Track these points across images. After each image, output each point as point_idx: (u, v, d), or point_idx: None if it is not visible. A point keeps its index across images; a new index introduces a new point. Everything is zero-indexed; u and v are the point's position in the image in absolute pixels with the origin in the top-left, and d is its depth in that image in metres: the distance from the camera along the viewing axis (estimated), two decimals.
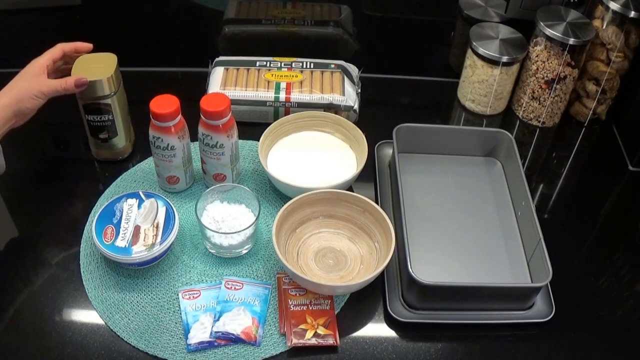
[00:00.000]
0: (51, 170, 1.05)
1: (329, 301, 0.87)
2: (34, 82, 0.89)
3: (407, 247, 0.86)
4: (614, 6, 1.05)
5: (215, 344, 0.83)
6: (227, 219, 0.92)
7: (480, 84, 1.15)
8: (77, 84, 0.92)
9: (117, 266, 0.90)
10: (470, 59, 1.14)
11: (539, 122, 1.18)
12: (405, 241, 0.87)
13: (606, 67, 1.11)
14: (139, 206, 0.91)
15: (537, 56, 1.11)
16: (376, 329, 0.87)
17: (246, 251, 0.93)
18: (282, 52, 1.17)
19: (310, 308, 0.86)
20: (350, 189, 1.01)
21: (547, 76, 1.11)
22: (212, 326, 0.84)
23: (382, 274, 0.89)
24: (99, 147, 1.03)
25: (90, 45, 0.97)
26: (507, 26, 1.14)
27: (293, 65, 1.14)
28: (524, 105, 1.17)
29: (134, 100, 1.03)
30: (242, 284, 0.88)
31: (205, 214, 0.93)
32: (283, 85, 1.11)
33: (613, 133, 1.18)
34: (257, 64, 1.14)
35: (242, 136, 0.99)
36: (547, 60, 1.09)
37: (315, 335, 0.83)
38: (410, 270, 0.84)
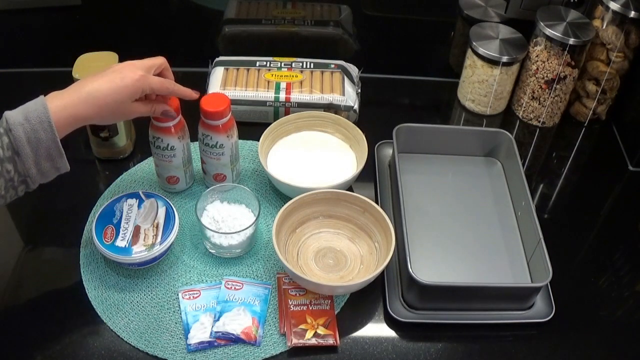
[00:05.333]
0: None
1: (329, 301, 0.87)
2: (123, 106, 0.81)
3: (407, 247, 0.86)
4: (614, 6, 1.05)
5: (215, 344, 0.83)
6: (227, 219, 0.92)
7: (480, 84, 1.15)
8: (164, 113, 0.88)
9: (117, 266, 0.90)
10: (470, 59, 1.14)
11: (539, 122, 1.18)
12: (405, 241, 0.87)
13: (606, 67, 1.11)
14: (139, 206, 0.91)
15: (537, 56, 1.11)
16: (376, 329, 0.87)
17: (246, 251, 0.93)
18: (282, 52, 1.17)
19: (310, 308, 0.86)
20: (350, 189, 1.01)
21: (547, 76, 1.11)
22: (212, 326, 0.84)
23: (382, 274, 0.89)
24: (100, 146, 1.03)
25: (195, 96, 0.90)
26: (507, 26, 1.14)
27: (293, 65, 1.14)
28: (524, 105, 1.17)
29: None
30: (242, 284, 0.88)
31: (205, 214, 0.93)
32: (283, 85, 1.11)
33: (613, 133, 1.18)
34: (257, 64, 1.14)
35: (242, 136, 0.99)
36: (547, 60, 1.10)
37: (315, 335, 0.83)
38: (410, 270, 0.84)
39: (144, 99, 0.86)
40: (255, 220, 0.90)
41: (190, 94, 0.89)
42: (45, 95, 0.77)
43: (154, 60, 0.86)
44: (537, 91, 1.14)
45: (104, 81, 0.80)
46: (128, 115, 0.85)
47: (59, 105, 0.76)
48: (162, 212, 0.91)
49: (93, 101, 0.78)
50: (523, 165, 1.04)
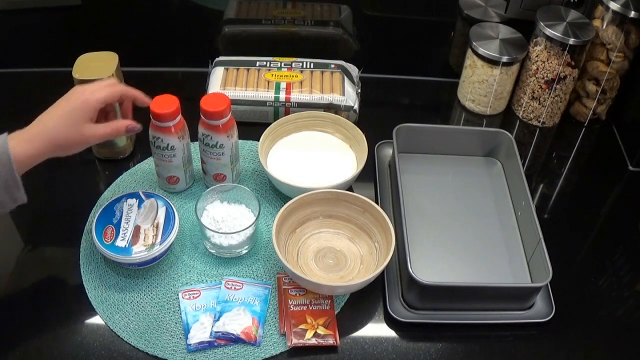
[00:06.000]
0: (51, 170, 1.04)
1: (329, 301, 0.87)
2: (78, 131, 0.80)
3: (407, 247, 0.86)
4: (614, 6, 1.05)
5: (215, 344, 0.83)
6: (227, 219, 0.92)
7: (480, 84, 1.15)
8: (128, 130, 0.85)
9: (117, 266, 0.90)
10: (470, 59, 1.14)
11: (539, 122, 1.18)
12: (405, 241, 0.87)
13: (606, 67, 1.11)
14: (139, 206, 0.91)
15: (537, 56, 1.11)
16: (376, 329, 0.87)
17: (246, 251, 0.93)
18: (282, 52, 1.17)
19: (310, 308, 0.86)
20: (350, 189, 1.01)
21: (547, 76, 1.11)
22: (212, 326, 0.84)
23: (382, 274, 0.89)
24: (100, 146, 1.03)
25: (148, 101, 0.89)
26: (507, 26, 1.14)
27: (293, 65, 1.14)
28: (524, 105, 1.17)
29: None
30: (242, 284, 0.88)
31: (205, 214, 0.93)
32: (283, 85, 1.11)
33: (613, 133, 1.18)
34: (257, 64, 1.14)
35: (242, 136, 0.99)
36: (547, 60, 1.10)
37: (315, 335, 0.83)
38: (410, 270, 0.84)
39: (103, 121, 0.85)
40: (255, 220, 0.90)
41: (142, 98, 0.88)
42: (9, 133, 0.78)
43: (106, 81, 0.86)
44: (537, 91, 1.14)
45: (54, 111, 0.81)
46: (89, 140, 0.83)
47: (19, 141, 0.78)
48: (162, 212, 0.91)
49: (46, 133, 0.79)
50: (523, 165, 1.04)
